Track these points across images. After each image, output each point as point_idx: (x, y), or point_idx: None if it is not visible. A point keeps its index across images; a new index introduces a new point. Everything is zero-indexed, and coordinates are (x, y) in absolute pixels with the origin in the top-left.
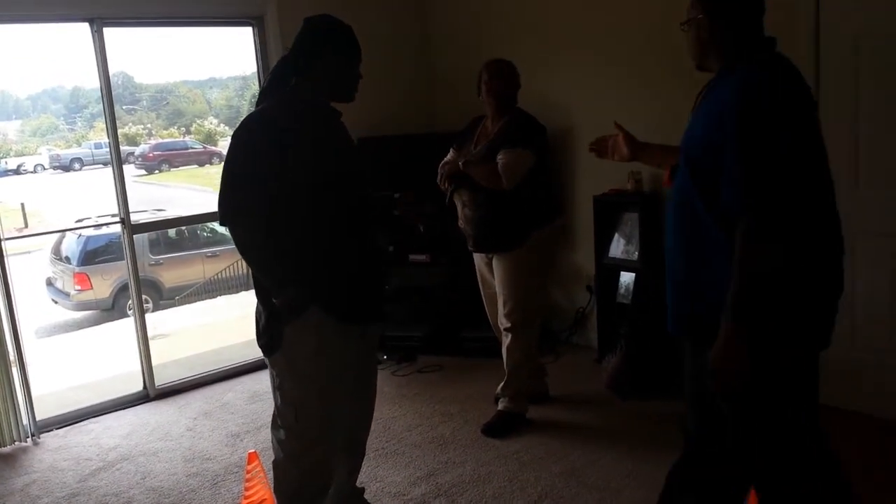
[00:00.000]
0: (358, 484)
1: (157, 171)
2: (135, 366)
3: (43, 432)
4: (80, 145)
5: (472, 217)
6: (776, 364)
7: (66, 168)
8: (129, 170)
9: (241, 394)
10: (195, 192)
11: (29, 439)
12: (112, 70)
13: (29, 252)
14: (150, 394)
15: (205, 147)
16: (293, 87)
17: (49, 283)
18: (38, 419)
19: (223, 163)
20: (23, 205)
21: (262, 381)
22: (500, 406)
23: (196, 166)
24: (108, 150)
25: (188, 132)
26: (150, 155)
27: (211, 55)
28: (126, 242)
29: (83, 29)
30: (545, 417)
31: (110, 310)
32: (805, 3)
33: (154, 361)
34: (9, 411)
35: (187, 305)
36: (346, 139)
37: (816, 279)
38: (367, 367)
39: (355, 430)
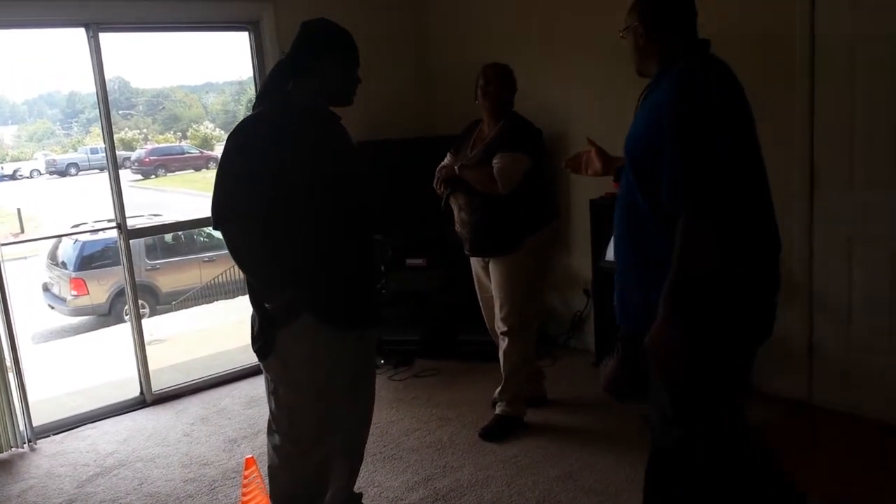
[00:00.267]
0: (356, 489)
1: (153, 176)
2: (131, 371)
3: (40, 438)
4: (76, 150)
5: (468, 221)
6: (712, 357)
7: (63, 173)
8: (126, 175)
9: (239, 399)
10: (191, 196)
11: (26, 445)
12: (108, 75)
13: (25, 257)
14: (147, 399)
15: (201, 152)
16: (290, 90)
17: (45, 288)
18: (34, 425)
19: (217, 166)
20: (19, 210)
21: (259, 387)
22: (498, 410)
23: (192, 171)
24: (104, 154)
25: (184, 137)
26: (147, 160)
27: (207, 60)
28: (122, 247)
29: (79, 34)
30: (543, 421)
31: (107, 315)
32: (800, 6)
33: (151, 367)
34: (5, 417)
35: (184, 310)
36: (344, 143)
37: (752, 276)
38: (365, 371)
39: (353, 435)
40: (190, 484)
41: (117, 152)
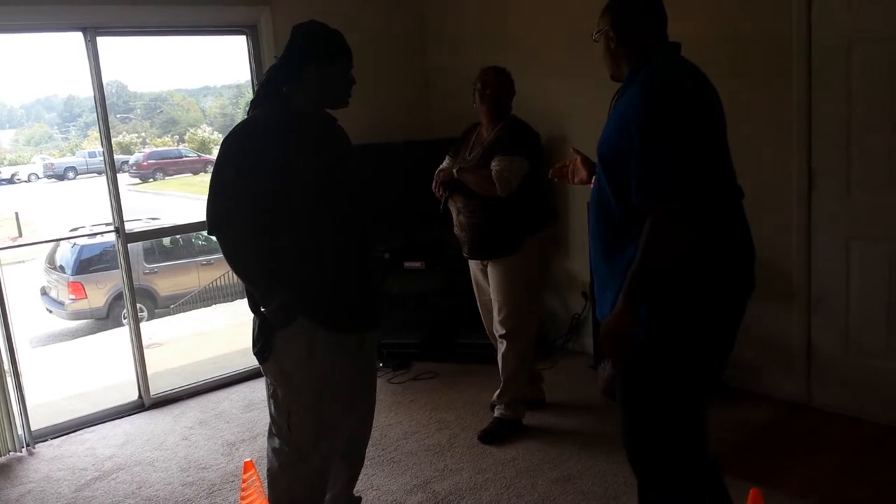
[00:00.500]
0: (355, 493)
1: (151, 180)
2: (130, 375)
3: (38, 442)
4: (74, 154)
5: (466, 224)
6: (670, 353)
7: (61, 177)
8: (124, 178)
9: (237, 402)
10: (189, 200)
11: (24, 449)
12: (106, 79)
13: (23, 261)
14: (146, 403)
15: (199, 155)
16: (285, 94)
17: (43, 292)
18: (33, 429)
19: (212, 171)
20: (17, 214)
21: (258, 390)
22: (497, 413)
23: (190, 175)
24: (102, 158)
25: (182, 140)
26: (145, 163)
27: (205, 63)
28: (120, 251)
29: (77, 38)
30: (541, 424)
31: (105, 319)
32: (797, 9)
33: (149, 370)
34: (3, 421)
35: (182, 314)
36: (341, 146)
37: (716, 276)
38: (365, 375)
39: (354, 438)
40: (188, 488)
41: (115, 156)
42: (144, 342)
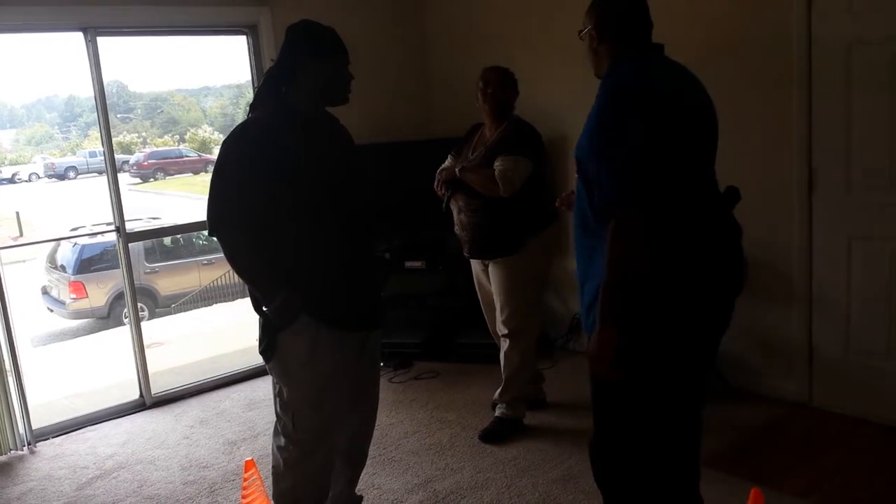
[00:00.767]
0: (356, 492)
1: (151, 180)
2: (131, 374)
3: (39, 441)
4: (74, 154)
5: (467, 223)
6: (648, 364)
7: (61, 177)
8: (124, 178)
9: (238, 402)
10: (190, 200)
11: (25, 448)
12: (106, 79)
13: (24, 261)
14: (147, 402)
15: (199, 155)
16: (284, 95)
17: (44, 291)
18: (34, 428)
19: (213, 171)
20: (18, 213)
21: (259, 389)
22: (498, 412)
23: (191, 174)
24: (102, 158)
25: (183, 140)
26: (145, 163)
27: (205, 64)
28: (121, 251)
29: (77, 38)
30: (542, 423)
31: (106, 318)
32: (797, 9)
33: (150, 369)
34: (4, 420)
35: (183, 313)
36: (343, 144)
37: (689, 282)
38: (369, 373)
39: (356, 437)
40: (189, 486)
41: (116, 156)
42: (145, 341)
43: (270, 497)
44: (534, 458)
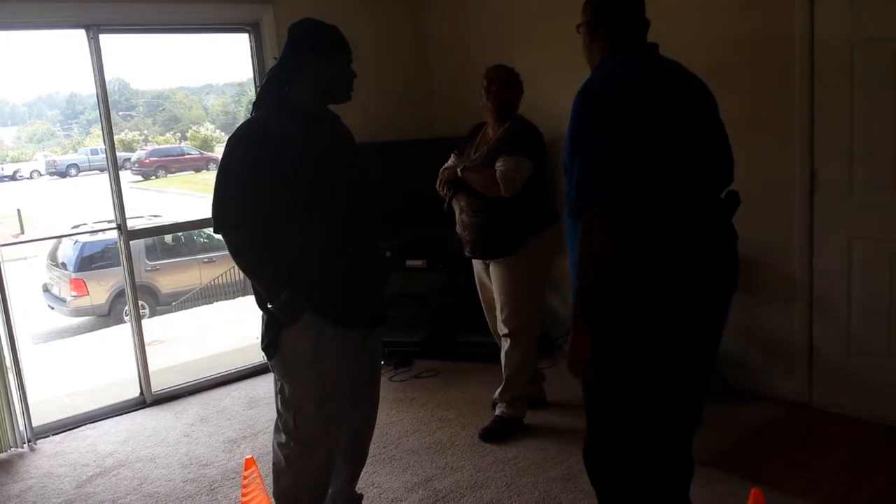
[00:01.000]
0: (356, 490)
1: (153, 177)
2: (131, 372)
3: (39, 438)
4: (76, 151)
5: (468, 223)
6: (626, 368)
7: (63, 174)
8: (126, 176)
9: (238, 400)
10: (191, 197)
11: (25, 445)
12: (108, 76)
13: (25, 258)
14: (147, 400)
15: (201, 153)
16: (287, 93)
17: (45, 289)
18: (34, 425)
19: (217, 170)
20: (19, 211)
21: (259, 387)
22: (498, 411)
23: (192, 172)
24: (104, 156)
25: (184, 138)
26: (147, 161)
27: (207, 61)
28: (122, 248)
29: (79, 35)
30: (542, 423)
31: (107, 316)
32: (799, 8)
33: (151, 367)
34: (5, 417)
35: (184, 311)
36: (345, 143)
37: (661, 286)
38: (370, 371)
39: (357, 435)
40: (190, 484)
41: (117, 153)
42: (146, 339)
43: (270, 495)
44: (534, 458)
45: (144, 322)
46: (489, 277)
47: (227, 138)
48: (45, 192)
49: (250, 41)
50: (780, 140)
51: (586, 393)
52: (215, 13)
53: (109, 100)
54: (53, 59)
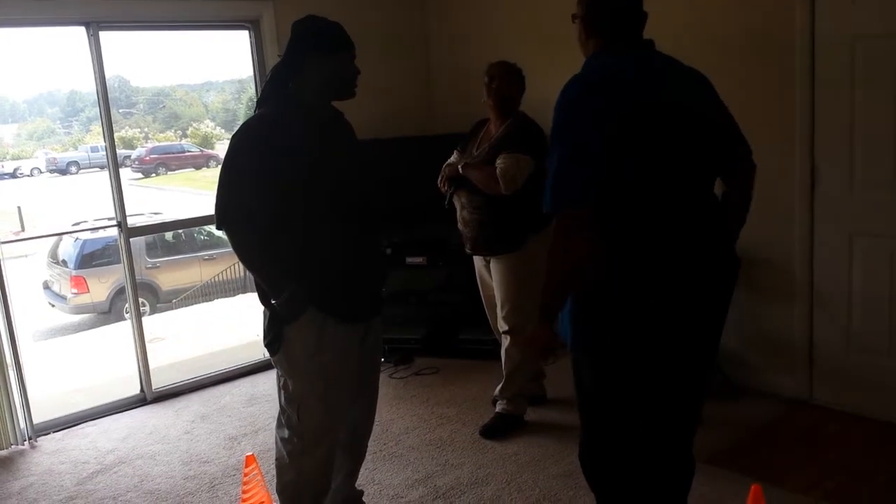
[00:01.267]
0: (357, 486)
1: (153, 175)
2: (132, 369)
3: (40, 436)
4: (76, 149)
5: (469, 220)
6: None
7: (63, 171)
8: (126, 173)
9: (239, 397)
10: (192, 195)
11: (26, 443)
12: (108, 73)
13: (26, 255)
14: (148, 397)
15: (201, 150)
16: (290, 90)
17: (46, 286)
18: (35, 422)
19: (221, 165)
20: (19, 208)
21: (260, 384)
22: (498, 408)
23: (193, 170)
24: (104, 153)
25: (185, 135)
26: (147, 158)
27: (207, 59)
28: (123, 246)
29: (79, 32)
30: (543, 419)
31: (107, 313)
32: (800, 5)
33: (151, 364)
34: (6, 415)
35: (184, 308)
36: (347, 140)
37: (638, 287)
38: (371, 366)
39: (357, 431)
40: (190, 481)
41: (118, 151)
42: (146, 336)
43: (271, 492)
44: (534, 454)
45: (145, 319)
46: (490, 274)
47: (228, 135)
48: (45, 190)
49: (250, 38)
50: (781, 136)
51: (578, 393)
52: (215, 10)
53: (110, 97)
54: (54, 56)
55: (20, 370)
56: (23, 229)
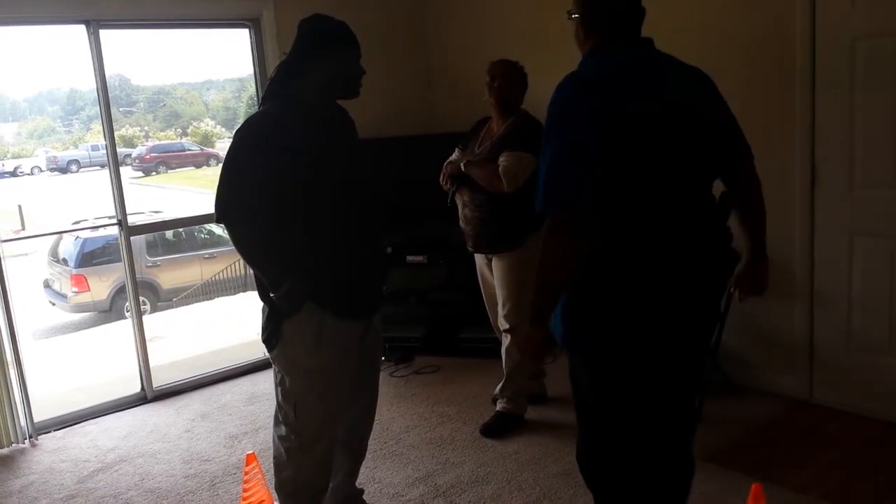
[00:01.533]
0: (357, 484)
1: (154, 173)
2: (132, 367)
3: (41, 434)
4: (76, 147)
5: (471, 218)
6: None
7: (63, 170)
8: (126, 172)
9: (239, 395)
10: (192, 193)
11: (27, 441)
12: (108, 72)
13: (26, 254)
14: (148, 395)
15: (202, 149)
16: (295, 88)
17: (46, 284)
18: (35, 421)
19: (223, 161)
20: (20, 207)
21: (260, 383)
22: (499, 407)
23: (193, 168)
24: (104, 152)
25: (185, 134)
26: (147, 157)
27: (208, 57)
28: (123, 244)
29: (79, 31)
30: (543, 418)
31: (108, 311)
32: (801, 5)
33: (152, 363)
34: (6, 413)
35: (185, 307)
36: (349, 138)
37: (628, 288)
38: (370, 364)
39: (357, 427)
40: (191, 480)
41: (118, 149)
42: (147, 335)
43: (271, 490)
44: (535, 453)
45: (145, 318)
46: (491, 272)
47: (228, 134)
48: (45, 188)
49: (251, 36)
50: (781, 135)
51: (575, 394)
52: (216, 8)
53: (110, 95)
54: (54, 54)
55: (21, 368)
56: (23, 228)
